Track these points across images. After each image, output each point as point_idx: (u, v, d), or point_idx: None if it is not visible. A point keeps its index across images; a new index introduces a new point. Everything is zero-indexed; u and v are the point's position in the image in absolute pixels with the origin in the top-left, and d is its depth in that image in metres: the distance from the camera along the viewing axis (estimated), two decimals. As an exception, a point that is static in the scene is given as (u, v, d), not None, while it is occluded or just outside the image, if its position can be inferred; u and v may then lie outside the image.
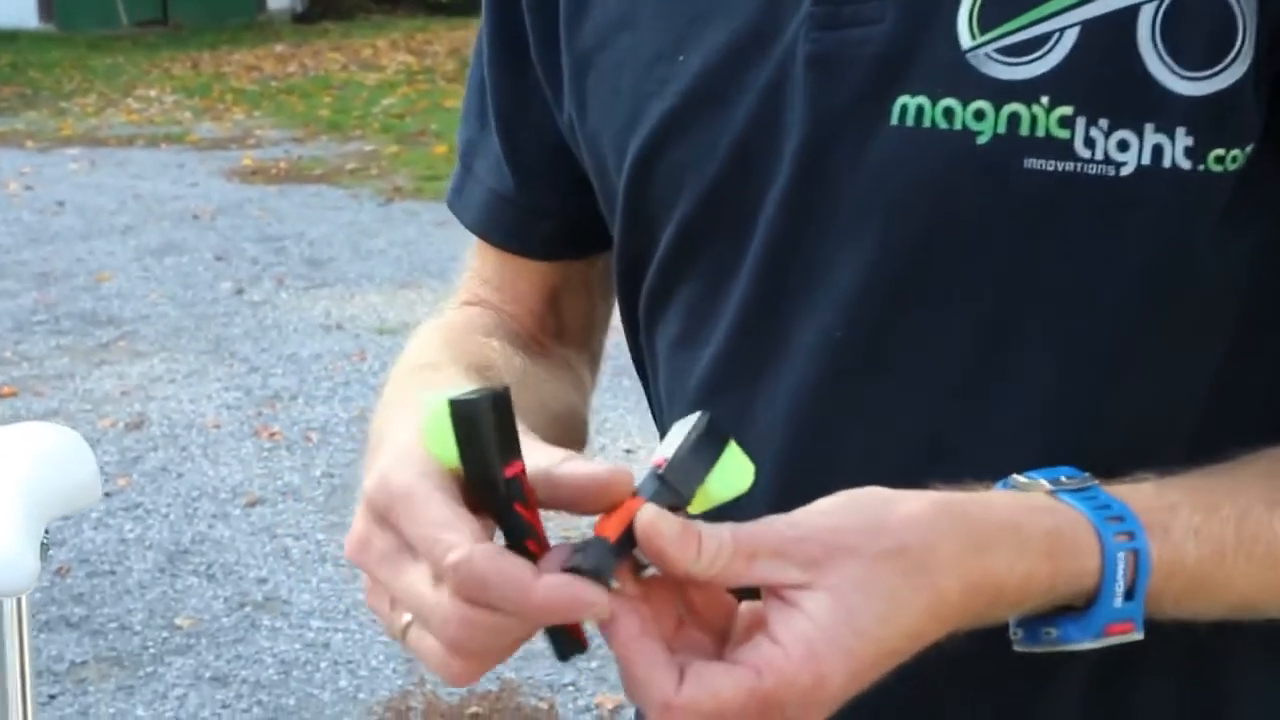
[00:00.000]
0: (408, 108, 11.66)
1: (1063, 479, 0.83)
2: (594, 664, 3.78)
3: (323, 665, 3.82)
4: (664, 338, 1.02)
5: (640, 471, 0.77)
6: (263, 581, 4.26)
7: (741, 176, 0.93)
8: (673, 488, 0.76)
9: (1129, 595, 0.80)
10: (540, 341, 1.16)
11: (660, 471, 0.77)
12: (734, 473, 0.78)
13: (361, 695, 3.68)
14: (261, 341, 6.32)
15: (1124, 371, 0.88)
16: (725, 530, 0.74)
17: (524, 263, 1.15)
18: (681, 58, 0.95)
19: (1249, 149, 0.85)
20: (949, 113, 0.87)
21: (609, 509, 0.76)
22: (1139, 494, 0.83)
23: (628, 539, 0.74)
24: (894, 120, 0.88)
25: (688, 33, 0.95)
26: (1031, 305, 0.88)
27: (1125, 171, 0.85)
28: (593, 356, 1.21)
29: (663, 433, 1.10)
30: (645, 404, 1.10)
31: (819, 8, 0.90)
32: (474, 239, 1.18)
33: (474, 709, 3.60)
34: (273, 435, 5.29)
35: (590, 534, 0.75)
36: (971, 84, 0.86)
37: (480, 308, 1.17)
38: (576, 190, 1.09)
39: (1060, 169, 0.85)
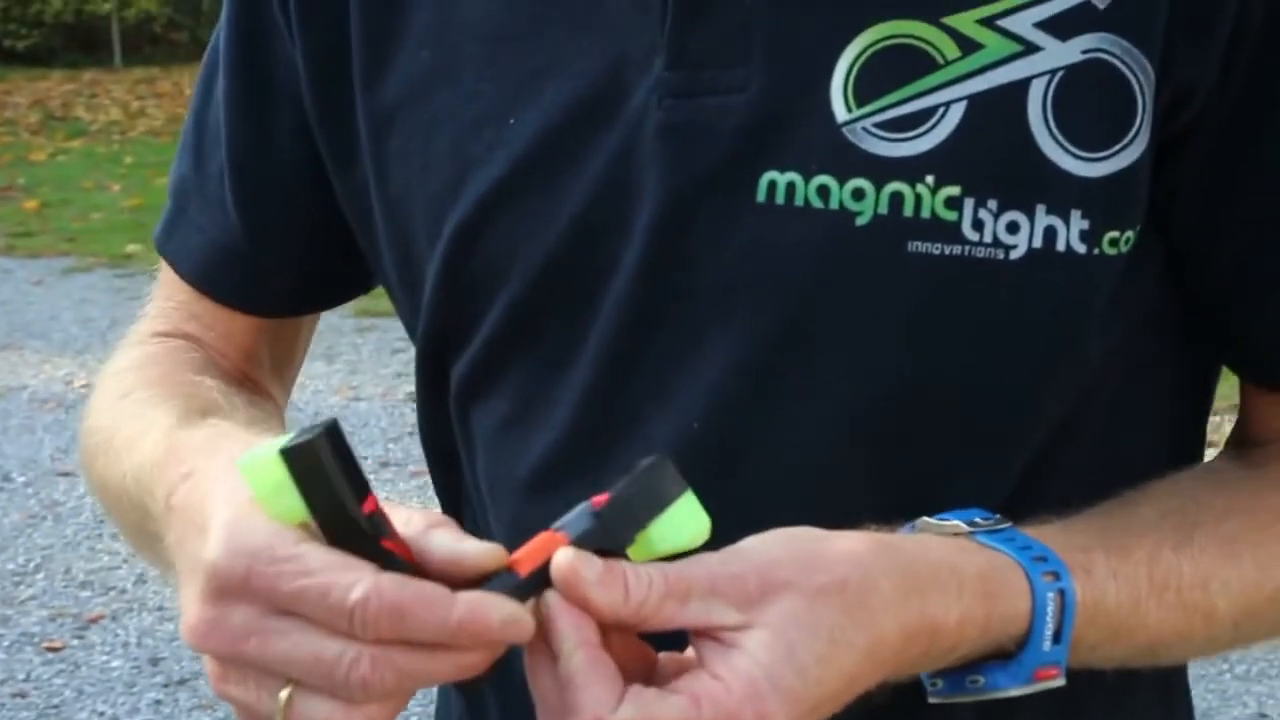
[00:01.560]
0: (-9, 161, 11.09)
1: (977, 520, 0.80)
2: None
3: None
4: (486, 417, 0.93)
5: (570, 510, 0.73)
6: None
7: (583, 253, 0.86)
8: (609, 528, 0.71)
9: (1056, 638, 0.78)
10: (250, 378, 1.08)
11: (596, 509, 0.72)
12: (685, 523, 0.73)
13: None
14: None
15: (1013, 454, 0.86)
16: (655, 570, 0.70)
17: (245, 315, 1.06)
18: (512, 120, 0.87)
19: (1139, 227, 0.82)
20: (824, 191, 0.81)
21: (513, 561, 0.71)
22: (1053, 536, 0.81)
23: (540, 576, 0.70)
24: (761, 197, 0.82)
25: (518, 93, 0.87)
26: (910, 395, 0.83)
27: (1015, 255, 0.81)
28: (287, 386, 1.14)
29: (463, 524, 1.02)
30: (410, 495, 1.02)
31: (673, 73, 0.83)
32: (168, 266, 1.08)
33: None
34: None
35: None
36: (849, 160, 0.81)
37: (184, 341, 1.07)
38: (319, 248, 1.02)
39: (946, 252, 0.81)
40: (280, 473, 0.68)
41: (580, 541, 0.71)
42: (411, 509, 0.72)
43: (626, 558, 0.71)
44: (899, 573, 0.74)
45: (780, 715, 0.69)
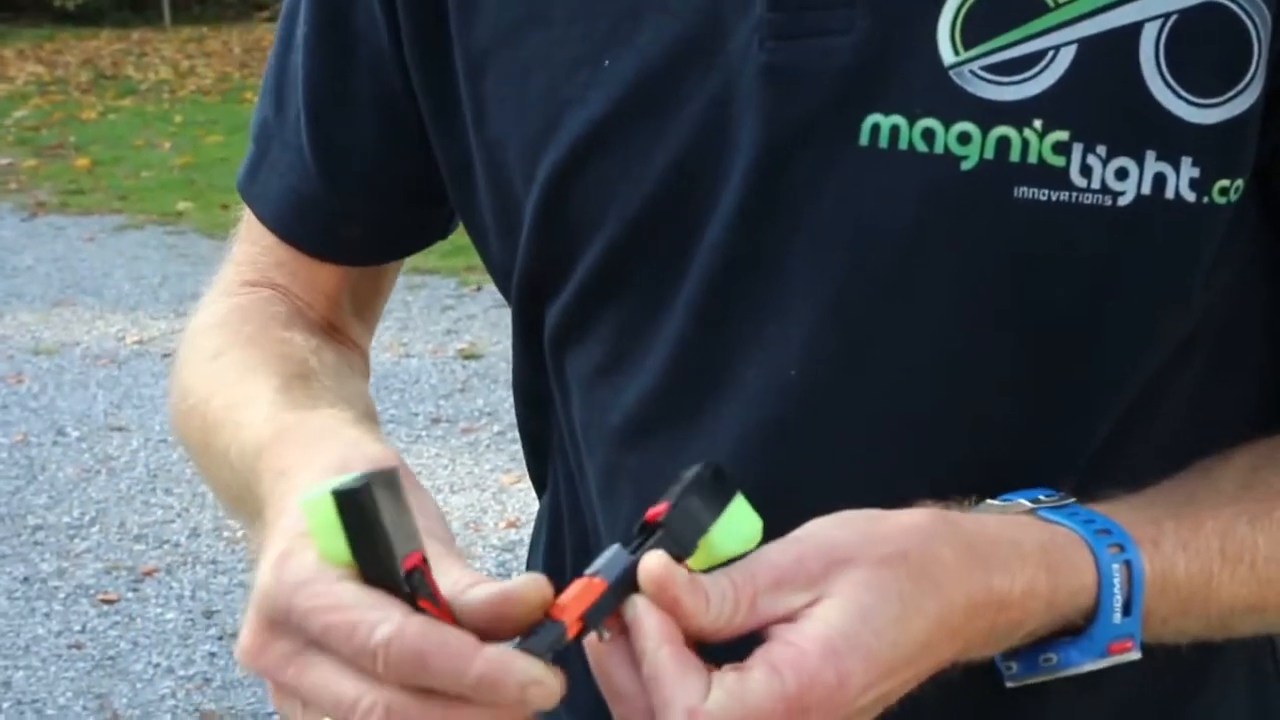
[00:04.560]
0: (42, 120, 11.11)
1: (1041, 498, 0.80)
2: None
3: (4, 706, 3.59)
4: (579, 364, 0.92)
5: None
6: (-70, 619, 3.98)
7: (679, 197, 0.85)
8: (674, 537, 0.71)
9: (1126, 610, 0.77)
10: (336, 326, 1.08)
11: (662, 519, 0.71)
12: (741, 525, 0.73)
13: (50, 735, 3.47)
14: (-96, 364, 5.93)
15: (1110, 403, 0.84)
16: (723, 577, 0.70)
17: (326, 264, 1.07)
18: (607, 61, 0.86)
19: (1247, 176, 0.81)
20: (929, 134, 0.79)
21: (537, 616, 0.69)
22: (1121, 510, 0.80)
23: (591, 620, 0.69)
24: (863, 140, 0.80)
25: (612, 34, 0.86)
26: (1013, 343, 0.82)
27: (1124, 201, 0.79)
28: (371, 329, 1.14)
29: (547, 472, 1.03)
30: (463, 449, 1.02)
31: (775, 14, 0.81)
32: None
33: (175, 744, 3.43)
34: (-73, 464, 4.96)
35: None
36: (955, 103, 0.79)
37: (271, 291, 1.07)
38: (396, 197, 1.01)
39: (1053, 198, 0.79)
40: (331, 513, 0.67)
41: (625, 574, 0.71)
42: (465, 570, 0.70)
43: (685, 567, 0.71)
44: (960, 545, 0.73)
45: (860, 674, 0.68)
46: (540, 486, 1.07)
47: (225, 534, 4.45)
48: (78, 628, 3.95)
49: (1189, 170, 0.79)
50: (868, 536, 0.72)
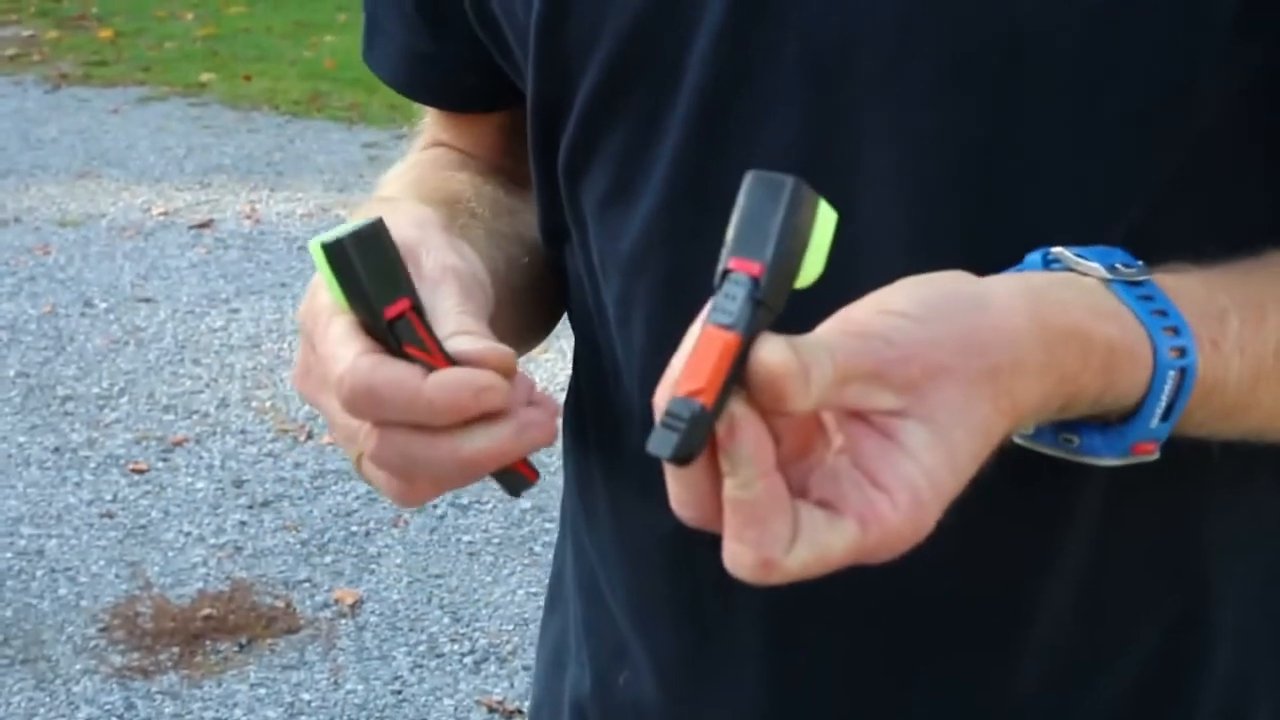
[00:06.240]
0: (64, -10, 11.06)
1: (1119, 266, 0.75)
2: (328, 559, 3.69)
3: (38, 574, 3.63)
4: (591, 194, 0.92)
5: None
6: (-37, 489, 4.02)
7: (667, 11, 0.84)
8: (763, 300, 0.61)
9: (1165, 416, 0.74)
10: (505, 171, 1.08)
11: (758, 282, 0.61)
12: (822, 242, 0.64)
13: (84, 603, 3.52)
14: (-69, 237, 5.95)
15: (1114, 210, 0.81)
16: (824, 354, 0.63)
17: (466, 115, 1.08)
18: None
19: None
20: None
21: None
22: (1191, 296, 0.76)
23: (725, 392, 0.60)
24: None
25: None
26: (1010, 141, 0.79)
27: None
28: None
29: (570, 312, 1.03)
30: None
31: None
32: None
33: (207, 611, 3.48)
34: (-44, 335, 4.99)
35: None
36: None
37: (443, 149, 1.09)
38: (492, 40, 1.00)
39: None
40: (322, 259, 0.72)
41: (751, 329, 0.61)
42: (459, 316, 0.75)
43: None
44: (1040, 347, 0.70)
45: (934, 520, 0.66)
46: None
47: (254, 404, 4.47)
48: (109, 497, 3.99)
49: None
50: (966, 343, 0.67)
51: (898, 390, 0.65)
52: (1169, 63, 0.78)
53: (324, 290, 0.75)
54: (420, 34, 1.03)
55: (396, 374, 0.70)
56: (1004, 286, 0.71)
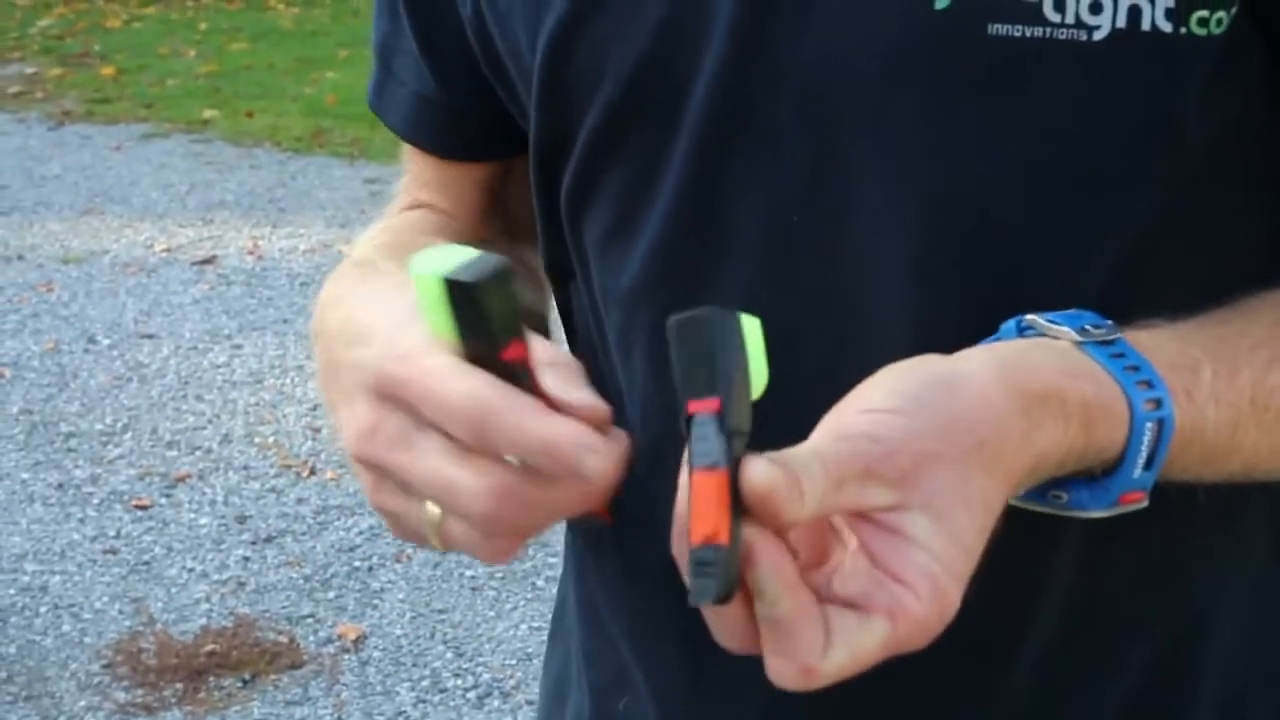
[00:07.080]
0: (67, 29, 11.09)
1: (1088, 328, 0.77)
2: (331, 594, 3.69)
3: (42, 610, 3.63)
4: (593, 231, 0.94)
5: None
6: (-33, 526, 4.02)
7: (668, 53, 0.86)
8: (732, 429, 0.65)
9: (1148, 465, 0.76)
10: (490, 242, 1.09)
11: (722, 416, 0.65)
12: (760, 362, 0.68)
13: (88, 639, 3.52)
14: (-65, 274, 5.96)
15: (1104, 242, 0.83)
16: (813, 463, 0.66)
17: (460, 165, 1.09)
18: None
19: (1234, 10, 0.78)
20: None
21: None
22: (1162, 351, 0.78)
23: (735, 524, 0.64)
24: None
25: None
26: (995, 182, 0.81)
27: (1098, 36, 0.78)
28: (532, 245, 1.13)
29: (567, 340, 1.04)
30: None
31: None
32: (404, 143, 1.11)
33: (210, 646, 3.48)
34: (-41, 373, 5.00)
35: None
36: None
37: (423, 211, 1.10)
38: (491, 87, 1.02)
39: (1028, 34, 0.78)
40: (440, 294, 0.69)
41: (723, 454, 0.64)
42: (567, 376, 0.73)
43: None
44: (1019, 414, 0.72)
45: (957, 603, 0.68)
46: None
47: (256, 440, 4.48)
48: (112, 533, 3.99)
49: (1164, 0, 0.77)
50: (948, 426, 0.69)
51: (891, 485, 0.67)
52: (1152, 104, 0.79)
53: (408, 332, 0.73)
54: (426, 79, 1.04)
55: (520, 404, 0.69)
56: (977, 363, 0.73)
